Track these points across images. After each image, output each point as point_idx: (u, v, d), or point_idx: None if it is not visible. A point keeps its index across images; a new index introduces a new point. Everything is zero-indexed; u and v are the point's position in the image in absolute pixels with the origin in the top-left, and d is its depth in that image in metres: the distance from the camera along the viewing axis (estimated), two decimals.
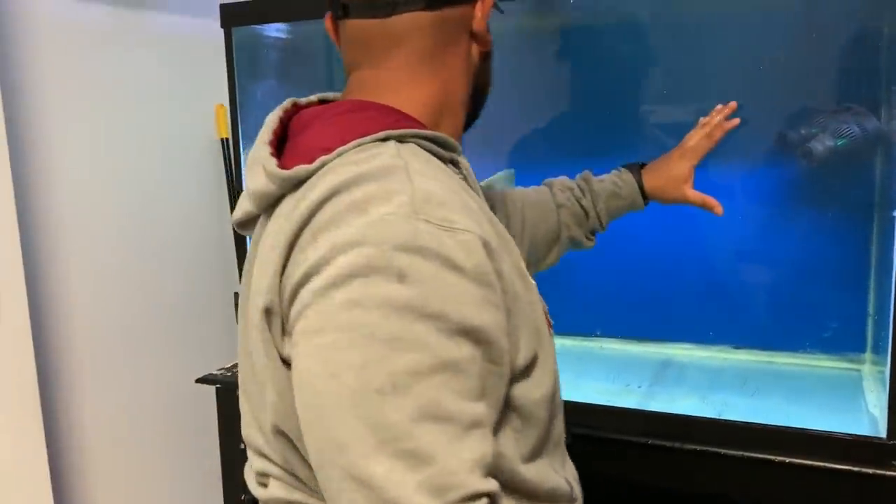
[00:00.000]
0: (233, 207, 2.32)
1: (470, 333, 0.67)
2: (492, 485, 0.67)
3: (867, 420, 1.43)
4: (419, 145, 0.77)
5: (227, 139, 2.31)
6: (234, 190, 2.31)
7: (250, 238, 0.87)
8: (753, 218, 1.74)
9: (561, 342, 1.92)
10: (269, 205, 0.79)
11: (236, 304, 2.18)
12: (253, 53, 1.92)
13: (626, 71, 1.78)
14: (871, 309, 1.65)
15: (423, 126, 0.80)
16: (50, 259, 1.88)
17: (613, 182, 1.27)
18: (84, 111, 1.93)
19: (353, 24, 0.81)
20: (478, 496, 0.65)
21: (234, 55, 1.71)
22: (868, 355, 1.67)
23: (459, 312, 0.66)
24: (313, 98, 0.88)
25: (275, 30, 1.94)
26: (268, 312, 0.74)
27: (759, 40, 1.70)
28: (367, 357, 0.65)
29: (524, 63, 1.93)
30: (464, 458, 0.65)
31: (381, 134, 0.75)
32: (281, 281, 0.73)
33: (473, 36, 0.85)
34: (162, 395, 2.16)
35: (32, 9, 1.80)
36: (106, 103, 1.98)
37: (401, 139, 0.76)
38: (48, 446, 1.80)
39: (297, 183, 0.75)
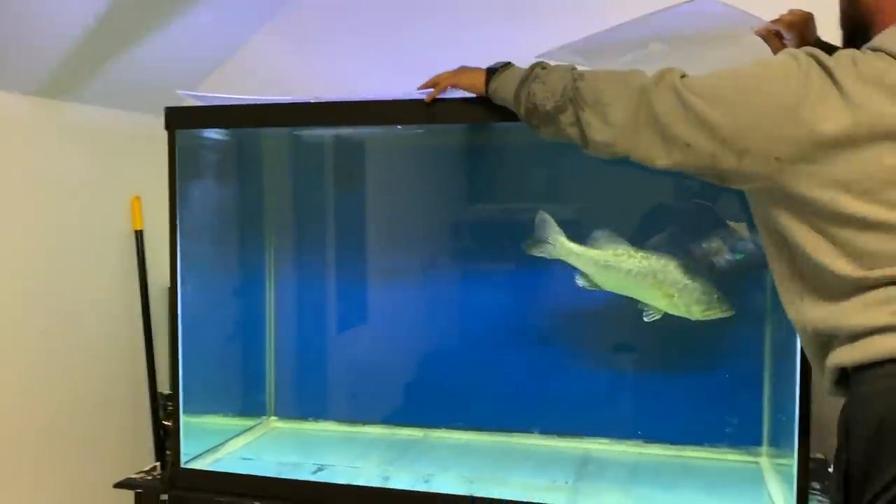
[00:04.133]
0: (145, 299, 2.28)
1: None
2: None
3: None
4: None
5: (141, 231, 2.28)
6: (146, 282, 2.27)
7: None
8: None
9: (482, 438, 1.99)
10: None
11: (152, 399, 2.13)
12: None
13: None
14: (765, 406, 1.83)
15: None
16: None
17: None
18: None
19: None
20: None
21: (178, 155, 1.72)
22: (765, 448, 1.84)
23: None
24: None
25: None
26: None
27: None
28: None
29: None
30: None
31: None
32: None
33: None
34: (77, 500, 2.04)
35: None
36: (21, 193, 1.92)
37: None
38: None
39: None
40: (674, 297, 1.73)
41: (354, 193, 2.10)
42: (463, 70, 1.55)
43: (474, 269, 2.06)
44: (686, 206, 1.92)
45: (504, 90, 1.44)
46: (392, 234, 2.10)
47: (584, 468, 1.81)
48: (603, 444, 1.94)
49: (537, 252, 1.81)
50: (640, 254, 1.76)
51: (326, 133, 2.04)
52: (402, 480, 1.73)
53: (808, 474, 1.45)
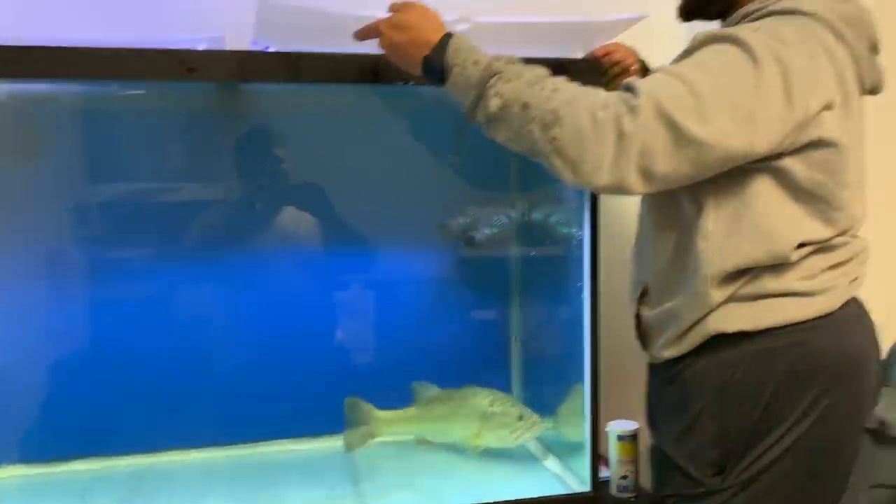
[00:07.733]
0: None
1: None
2: None
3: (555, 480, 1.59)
4: None
5: None
6: None
7: None
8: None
9: (206, 455, 1.70)
10: None
11: None
12: None
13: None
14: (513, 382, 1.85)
15: None
16: None
17: None
18: None
19: None
20: None
21: None
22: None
23: None
24: None
25: None
26: None
27: (407, 140, 1.78)
28: None
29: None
30: None
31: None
32: None
33: None
34: None
35: None
36: None
37: None
38: None
39: None
40: (481, 430, 1.65)
41: (89, 169, 1.64)
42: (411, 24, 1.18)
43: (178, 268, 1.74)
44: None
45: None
46: (101, 223, 1.68)
47: (286, 475, 1.62)
48: (293, 444, 1.76)
49: (359, 444, 1.64)
50: (444, 394, 1.68)
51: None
52: None
53: (598, 445, 1.48)
